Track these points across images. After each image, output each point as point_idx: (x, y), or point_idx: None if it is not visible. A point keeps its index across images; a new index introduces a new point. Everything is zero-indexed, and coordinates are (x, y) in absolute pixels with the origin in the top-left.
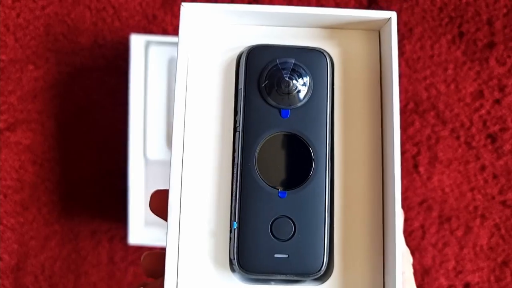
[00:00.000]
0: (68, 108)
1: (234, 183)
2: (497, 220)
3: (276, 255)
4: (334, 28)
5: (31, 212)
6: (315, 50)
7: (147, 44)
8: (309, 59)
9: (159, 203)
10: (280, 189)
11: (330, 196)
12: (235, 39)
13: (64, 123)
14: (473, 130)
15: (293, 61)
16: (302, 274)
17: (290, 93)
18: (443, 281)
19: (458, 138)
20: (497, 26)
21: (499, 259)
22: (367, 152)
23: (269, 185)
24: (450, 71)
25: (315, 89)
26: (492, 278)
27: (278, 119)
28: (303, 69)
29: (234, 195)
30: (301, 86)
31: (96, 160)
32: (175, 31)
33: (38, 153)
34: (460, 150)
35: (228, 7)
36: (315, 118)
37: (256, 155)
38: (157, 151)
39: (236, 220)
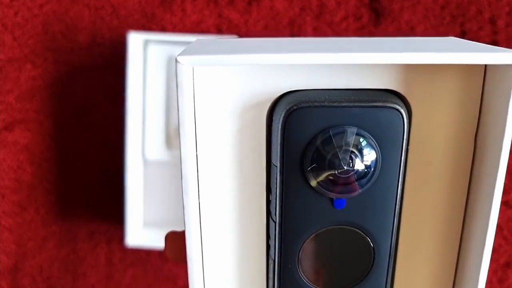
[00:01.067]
0: (66, 108)
1: (270, 283)
2: (499, 221)
3: None
4: (412, 65)
5: (29, 212)
6: (388, 107)
7: (146, 43)
8: (379, 122)
9: (175, 248)
10: None
11: None
12: (260, 82)
13: (63, 123)
14: None
15: (355, 131)
16: None
17: (348, 182)
18: None
19: None
20: (499, 25)
21: (502, 260)
22: (441, 236)
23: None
24: None
25: (384, 167)
26: (494, 279)
27: (330, 211)
28: (369, 143)
29: None
30: (365, 167)
31: (95, 160)
32: (174, 29)
33: (36, 153)
34: None
35: (240, 59)
36: (380, 205)
37: (299, 254)
38: (155, 151)
39: None
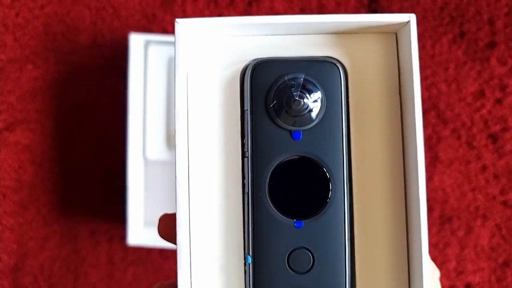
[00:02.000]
0: (67, 108)
1: (246, 213)
2: (498, 220)
3: None
4: (344, 33)
5: (30, 212)
6: (326, 61)
7: (147, 44)
8: (320, 72)
9: (168, 228)
10: (295, 218)
11: (350, 222)
12: (237, 52)
13: (64, 123)
14: (474, 130)
15: (303, 76)
16: None
17: (301, 113)
18: (444, 281)
19: (459, 138)
20: (498, 26)
21: (500, 260)
22: (388, 170)
23: (283, 215)
24: (451, 71)
25: (329, 105)
26: (493, 278)
27: (290, 142)
28: (314, 84)
29: (246, 227)
30: (313, 104)
31: (96, 160)
32: (174, 31)
33: (37, 153)
34: (461, 150)
35: (226, 21)
36: (330, 138)
37: (267, 183)
38: (156, 151)
39: (250, 254)
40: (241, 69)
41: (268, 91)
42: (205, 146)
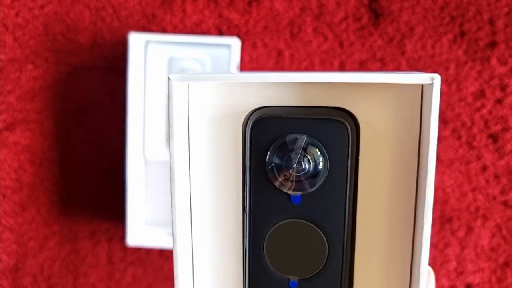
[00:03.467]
0: (67, 108)
1: (244, 267)
2: (499, 221)
3: None
4: (359, 84)
5: (30, 212)
6: (333, 119)
7: (146, 43)
8: (325, 133)
9: None
10: (291, 278)
11: (348, 284)
12: (239, 100)
13: (63, 123)
14: (474, 130)
15: (305, 138)
16: None
17: (301, 180)
18: (444, 282)
19: (459, 138)
20: (498, 26)
21: (501, 260)
22: (393, 236)
23: (279, 274)
24: (451, 71)
25: (332, 169)
26: (493, 278)
27: (288, 205)
28: (317, 147)
29: (244, 281)
30: (314, 168)
31: (96, 160)
32: (174, 30)
33: (37, 153)
34: (461, 150)
35: (222, 79)
36: (331, 203)
37: (265, 242)
38: (156, 152)
39: None
40: (244, 119)
41: (267, 151)
42: (206, 198)
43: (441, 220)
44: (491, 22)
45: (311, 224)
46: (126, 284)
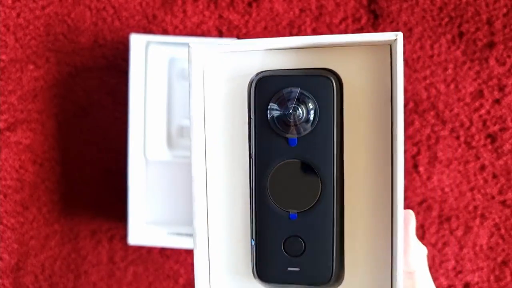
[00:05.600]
0: (68, 108)
1: (251, 205)
2: (497, 220)
3: (289, 269)
4: (340, 46)
5: (31, 211)
6: (320, 75)
7: (147, 44)
8: (314, 86)
9: None
10: (291, 211)
11: (339, 216)
12: (244, 66)
13: (64, 123)
14: (473, 130)
15: (298, 90)
16: (313, 284)
17: (296, 123)
18: (442, 281)
19: (457, 138)
20: (497, 26)
21: (499, 259)
22: (377, 172)
23: (280, 208)
24: (449, 71)
25: (322, 115)
26: (491, 277)
27: (286, 148)
28: (308, 97)
29: (251, 216)
30: (307, 115)
31: (96, 160)
32: (175, 31)
33: (38, 152)
34: (459, 150)
35: (231, 46)
36: (322, 144)
37: (268, 181)
38: (157, 151)
39: (254, 238)
40: (249, 81)
41: (268, 103)
42: (219, 148)
43: (439, 220)
44: (490, 22)
45: (306, 163)
46: (127, 283)
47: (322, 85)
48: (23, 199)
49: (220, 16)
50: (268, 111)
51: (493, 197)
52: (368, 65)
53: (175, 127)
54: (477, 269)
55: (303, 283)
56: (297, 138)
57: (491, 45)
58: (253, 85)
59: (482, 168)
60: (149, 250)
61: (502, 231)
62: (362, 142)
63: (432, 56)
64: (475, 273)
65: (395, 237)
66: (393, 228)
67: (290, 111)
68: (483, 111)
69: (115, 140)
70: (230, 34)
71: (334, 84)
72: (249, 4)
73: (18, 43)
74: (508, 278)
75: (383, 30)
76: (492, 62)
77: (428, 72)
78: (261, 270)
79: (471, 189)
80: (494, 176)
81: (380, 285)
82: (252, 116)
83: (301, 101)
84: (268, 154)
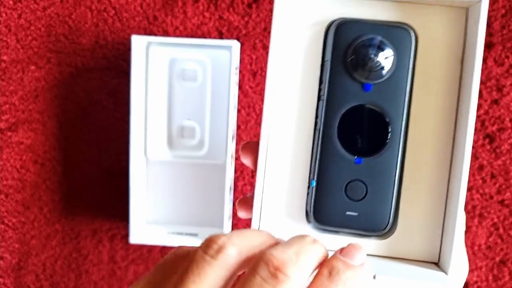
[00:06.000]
0: (69, 108)
1: (315, 146)
2: (495, 220)
3: (347, 213)
4: (419, 3)
5: (32, 211)
6: (401, 27)
7: (148, 45)
8: (395, 36)
9: (248, 151)
10: (357, 156)
11: (401, 165)
12: (322, 12)
13: (65, 123)
14: None
15: (380, 38)
16: (369, 231)
17: (374, 70)
18: None
19: None
20: (495, 27)
21: (497, 258)
22: (441, 126)
23: (347, 151)
24: None
25: (398, 66)
26: (490, 277)
27: (360, 92)
28: (388, 46)
29: (314, 157)
30: (385, 63)
31: (97, 160)
32: (175, 32)
33: (39, 152)
34: None
35: None
36: (395, 93)
37: (337, 123)
38: (157, 151)
39: (315, 179)
40: (325, 27)
41: (348, 47)
42: (288, 87)
43: None
44: (488, 23)
45: (377, 110)
46: (128, 282)
47: (402, 36)
48: (24, 199)
49: (220, 17)
50: (347, 55)
51: (491, 197)
52: (443, 26)
53: (175, 127)
54: (476, 269)
55: (359, 229)
56: (372, 84)
57: (489, 45)
58: (334, 28)
59: (481, 168)
60: (150, 249)
61: (501, 230)
62: (430, 99)
63: None
64: (474, 272)
65: (456, 196)
66: (452, 189)
67: (371, 57)
68: (481, 111)
69: (115, 140)
70: (230, 35)
71: (412, 36)
72: (249, 6)
73: (20, 43)
74: (507, 278)
75: None
76: (490, 62)
77: None
78: (320, 211)
79: (470, 189)
80: (493, 176)
81: (430, 242)
82: (328, 59)
83: (381, 48)
84: (340, 97)
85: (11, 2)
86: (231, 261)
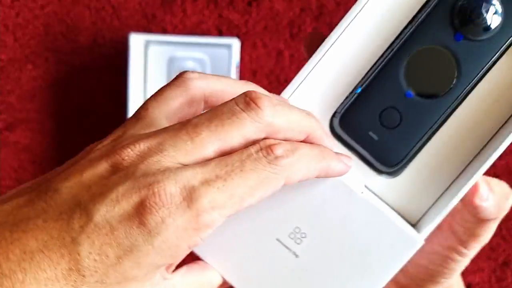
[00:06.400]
0: (67, 108)
1: (380, 61)
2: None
3: (370, 132)
4: None
5: None
6: None
7: (147, 44)
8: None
9: (313, 42)
10: (410, 89)
11: (446, 118)
12: None
13: (63, 123)
14: None
15: None
16: (378, 161)
17: (476, 26)
18: None
19: None
20: None
21: (500, 260)
22: (498, 112)
23: (405, 81)
24: None
25: (502, 31)
26: (493, 278)
27: (450, 38)
28: (498, 10)
29: (374, 69)
30: (492, 23)
31: None
32: (174, 30)
33: (37, 152)
34: None
35: None
36: (481, 56)
37: (409, 57)
38: None
39: (362, 88)
40: None
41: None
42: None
43: None
44: None
45: (455, 56)
46: None
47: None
48: None
49: (220, 16)
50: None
51: None
52: None
53: None
54: (478, 270)
55: (369, 152)
56: (465, 36)
57: None
58: None
59: None
60: None
61: (504, 231)
62: (507, 80)
63: None
64: (476, 273)
65: (464, 181)
66: (468, 170)
67: (481, 12)
68: None
69: None
70: (230, 33)
71: None
72: (249, 4)
73: (17, 42)
74: (509, 279)
75: None
76: None
77: None
78: (346, 118)
79: None
80: (496, 176)
81: (418, 206)
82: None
83: (493, 9)
84: (427, 35)
85: (9, 1)
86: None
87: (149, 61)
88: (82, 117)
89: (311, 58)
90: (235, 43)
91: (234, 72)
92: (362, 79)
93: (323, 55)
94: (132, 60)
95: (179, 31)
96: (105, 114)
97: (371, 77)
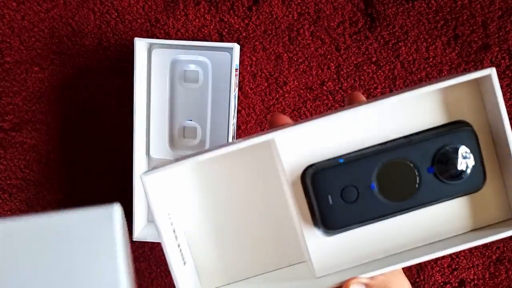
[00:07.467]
0: (72, 109)
1: (366, 150)
2: None
3: (328, 196)
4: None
5: (36, 210)
6: (464, 128)
7: (150, 47)
8: (464, 139)
9: (273, 124)
10: (375, 184)
11: (388, 218)
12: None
13: (69, 123)
14: None
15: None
16: (320, 218)
17: (450, 173)
18: (438, 278)
19: None
20: (491, 29)
21: (494, 256)
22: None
23: (373, 176)
24: (445, 73)
25: (461, 184)
26: (487, 275)
27: (425, 166)
28: (468, 154)
29: (359, 154)
30: (461, 170)
31: (100, 159)
32: (177, 34)
33: (43, 152)
34: None
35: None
36: (439, 193)
37: (387, 159)
38: (159, 151)
39: (344, 161)
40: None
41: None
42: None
43: None
44: (484, 25)
45: (417, 180)
46: None
47: (470, 136)
48: (28, 198)
49: (221, 20)
50: (435, 157)
51: None
52: (465, 101)
53: (177, 128)
54: (473, 266)
55: (319, 210)
56: (434, 172)
57: (486, 47)
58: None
59: None
60: (152, 247)
61: None
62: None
63: (427, 59)
64: (471, 270)
65: None
66: None
67: (457, 165)
68: None
69: (118, 140)
70: (230, 37)
71: (475, 134)
72: (249, 8)
73: (23, 45)
74: (503, 276)
75: (380, 33)
76: (487, 64)
77: (423, 74)
78: (320, 175)
79: None
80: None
81: (340, 262)
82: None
83: (463, 158)
84: (411, 151)
85: (14, 4)
86: None
87: (153, 64)
88: (88, 119)
89: (328, 113)
90: (236, 47)
91: (234, 75)
92: (348, 154)
93: (335, 113)
94: (136, 63)
95: (181, 35)
96: (110, 116)
97: (354, 158)
